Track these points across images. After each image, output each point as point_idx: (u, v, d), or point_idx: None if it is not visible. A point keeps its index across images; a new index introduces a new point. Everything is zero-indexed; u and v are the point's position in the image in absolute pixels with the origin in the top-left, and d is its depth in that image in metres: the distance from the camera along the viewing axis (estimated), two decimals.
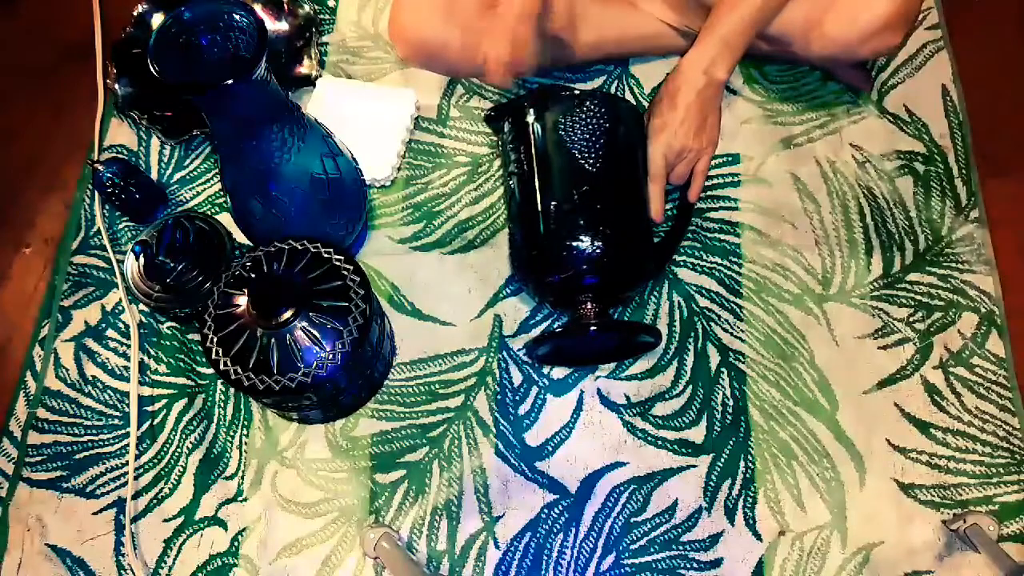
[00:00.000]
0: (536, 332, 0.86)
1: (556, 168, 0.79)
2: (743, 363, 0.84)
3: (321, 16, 1.03)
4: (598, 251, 0.77)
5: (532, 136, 0.81)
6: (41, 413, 0.86)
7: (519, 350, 0.86)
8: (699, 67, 0.82)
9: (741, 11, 0.81)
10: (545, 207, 0.78)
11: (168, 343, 0.88)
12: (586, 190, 0.78)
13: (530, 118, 0.81)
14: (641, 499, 0.80)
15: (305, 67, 0.98)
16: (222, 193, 0.94)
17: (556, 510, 0.80)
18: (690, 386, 0.84)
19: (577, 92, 0.82)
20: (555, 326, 0.87)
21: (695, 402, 0.83)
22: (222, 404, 0.85)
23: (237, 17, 0.64)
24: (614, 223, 0.78)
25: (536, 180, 0.79)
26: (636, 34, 0.93)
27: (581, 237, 0.77)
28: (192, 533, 0.80)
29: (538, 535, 0.79)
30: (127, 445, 0.83)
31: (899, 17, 0.81)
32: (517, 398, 0.84)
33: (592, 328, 0.76)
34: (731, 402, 0.83)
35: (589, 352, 0.84)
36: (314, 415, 0.82)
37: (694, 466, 0.81)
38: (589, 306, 0.78)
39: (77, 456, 0.84)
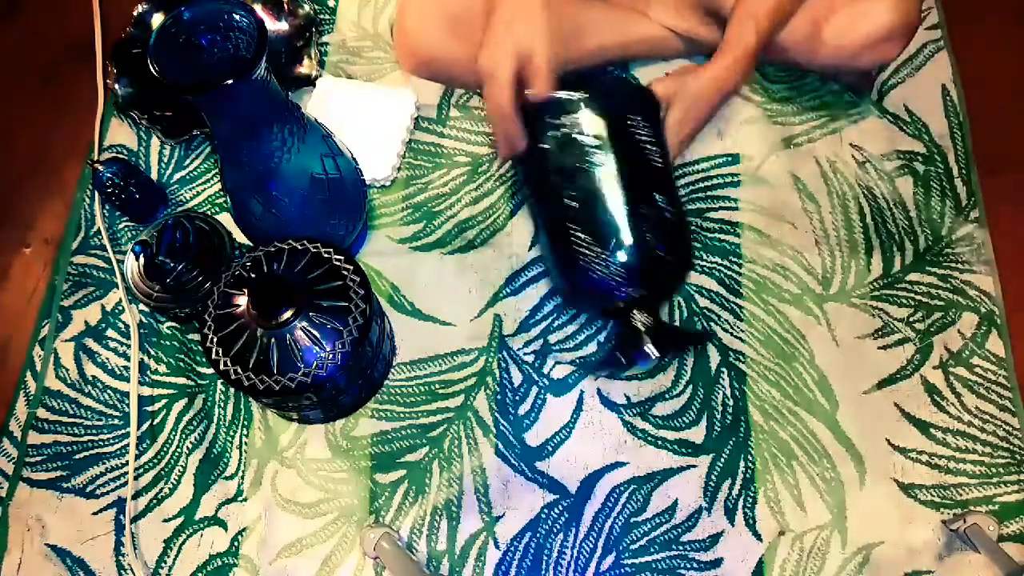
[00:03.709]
0: (536, 332, 0.86)
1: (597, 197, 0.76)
2: (743, 363, 0.84)
3: (321, 16, 1.03)
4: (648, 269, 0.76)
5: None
6: (41, 413, 0.86)
7: (519, 350, 0.86)
8: (728, 86, 0.81)
9: (761, 22, 0.80)
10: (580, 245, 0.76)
11: (168, 343, 0.88)
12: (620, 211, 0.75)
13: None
14: (641, 499, 0.80)
15: (305, 67, 0.98)
16: (222, 193, 0.94)
17: (556, 510, 0.80)
18: (690, 386, 0.84)
19: (578, 97, 0.78)
20: (595, 336, 0.86)
21: (695, 402, 0.83)
22: (222, 404, 0.85)
23: (237, 17, 0.64)
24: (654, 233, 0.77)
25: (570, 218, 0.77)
26: (639, 39, 0.93)
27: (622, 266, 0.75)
28: (192, 533, 0.80)
29: (538, 535, 0.79)
30: (127, 445, 0.83)
31: (899, 28, 0.82)
32: (517, 398, 0.84)
33: (656, 357, 0.76)
34: (731, 402, 0.83)
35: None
36: (314, 415, 0.82)
37: (694, 466, 0.81)
38: (640, 318, 0.77)
39: (77, 456, 0.84)
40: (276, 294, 0.69)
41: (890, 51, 0.85)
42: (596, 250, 0.75)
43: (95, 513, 0.82)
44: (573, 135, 0.76)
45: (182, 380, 0.86)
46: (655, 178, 0.78)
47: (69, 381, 0.87)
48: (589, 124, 0.76)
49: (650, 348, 0.76)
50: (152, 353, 0.87)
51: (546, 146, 0.77)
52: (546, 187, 0.79)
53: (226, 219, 0.89)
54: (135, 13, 1.00)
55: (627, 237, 0.75)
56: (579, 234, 0.76)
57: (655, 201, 0.77)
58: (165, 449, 0.84)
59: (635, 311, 0.77)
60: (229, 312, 0.70)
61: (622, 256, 0.75)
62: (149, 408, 0.85)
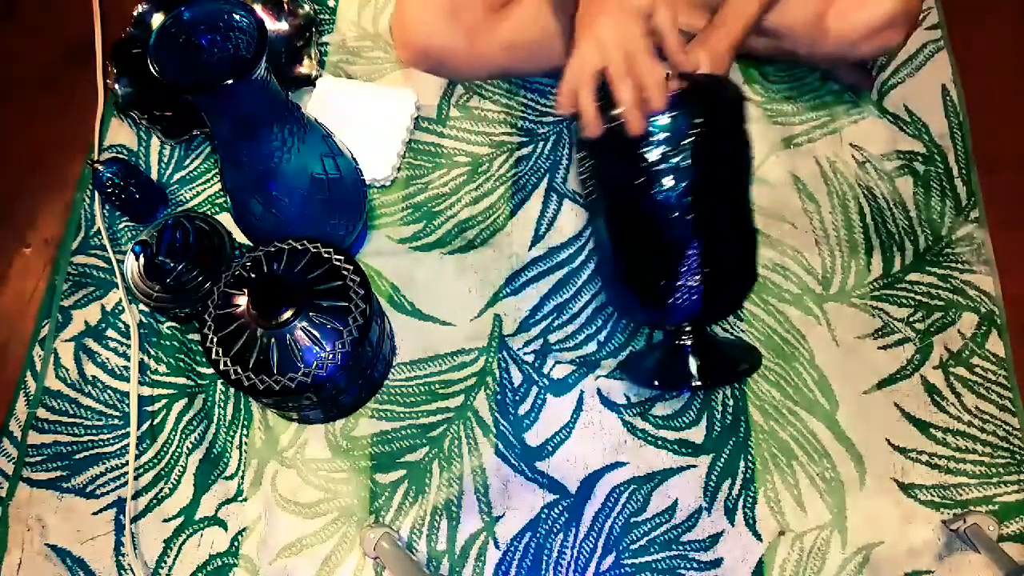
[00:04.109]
0: (536, 332, 0.86)
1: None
2: None
3: (321, 16, 1.03)
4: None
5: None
6: (41, 413, 0.86)
7: (519, 350, 0.86)
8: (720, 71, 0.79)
9: (749, 10, 0.80)
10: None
11: (168, 343, 0.88)
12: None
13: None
14: (641, 499, 0.80)
15: (305, 67, 0.98)
16: (222, 193, 0.94)
17: (556, 510, 0.80)
18: None
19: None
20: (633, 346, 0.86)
21: (695, 402, 0.83)
22: (222, 404, 0.85)
23: (237, 17, 0.64)
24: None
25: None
26: None
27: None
28: (192, 533, 0.80)
29: (538, 535, 0.79)
30: (127, 445, 0.83)
31: (902, 15, 0.81)
32: (517, 398, 0.84)
33: (697, 384, 0.74)
34: (731, 402, 0.83)
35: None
36: (314, 415, 0.82)
37: (694, 466, 0.81)
38: (689, 342, 0.74)
39: (77, 456, 0.84)
40: (276, 294, 0.69)
41: (892, 38, 0.83)
42: (662, 268, 0.71)
43: (95, 513, 0.82)
44: (664, 139, 0.68)
45: (182, 380, 0.86)
46: (737, 191, 0.73)
47: (69, 381, 0.87)
48: (682, 130, 0.68)
49: (696, 382, 0.73)
50: (152, 353, 0.87)
51: (642, 148, 0.69)
52: (623, 190, 0.72)
53: (226, 219, 0.89)
54: (135, 13, 1.00)
55: (696, 263, 0.69)
56: (645, 247, 0.72)
57: (732, 219, 0.72)
58: (165, 449, 0.84)
59: (684, 334, 0.75)
60: (229, 312, 0.70)
61: (689, 282, 0.70)
62: (149, 408, 0.85)
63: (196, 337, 0.87)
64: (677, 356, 0.75)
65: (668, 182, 0.68)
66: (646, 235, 0.72)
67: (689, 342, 0.74)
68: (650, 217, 0.70)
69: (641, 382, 0.82)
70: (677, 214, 0.69)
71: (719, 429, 0.82)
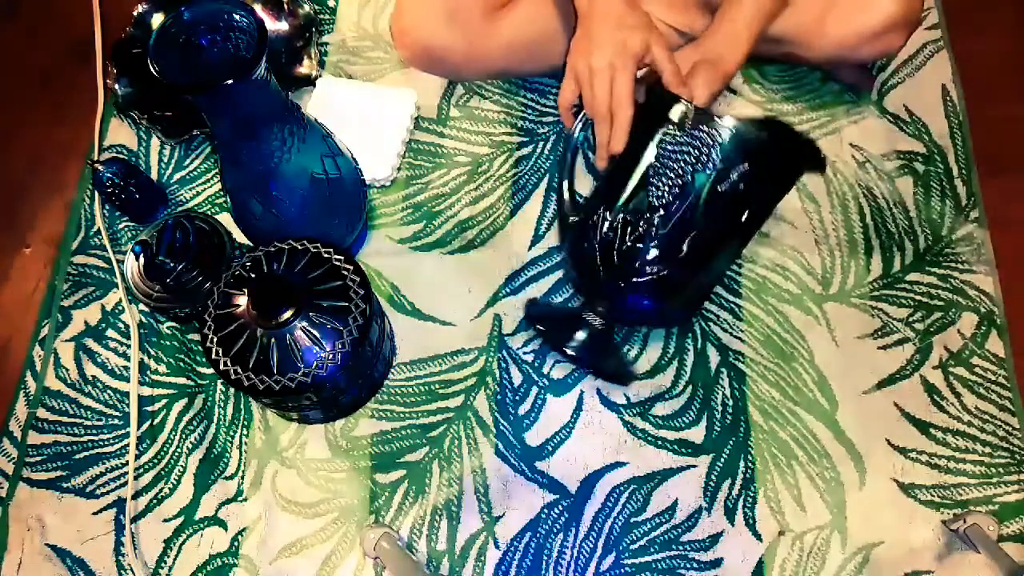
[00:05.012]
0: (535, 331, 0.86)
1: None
2: (743, 363, 0.84)
3: (321, 16, 1.03)
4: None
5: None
6: (41, 413, 0.86)
7: (519, 349, 0.86)
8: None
9: (763, 11, 0.79)
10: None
11: (168, 343, 0.88)
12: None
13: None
14: (641, 499, 0.80)
15: (305, 67, 0.98)
16: (222, 193, 0.94)
17: (556, 510, 0.80)
18: (690, 386, 0.84)
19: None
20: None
21: (695, 402, 0.83)
22: (222, 404, 0.85)
23: (237, 17, 0.64)
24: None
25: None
26: None
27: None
28: (192, 533, 0.80)
29: (538, 535, 0.79)
30: (127, 445, 0.83)
31: (903, 19, 0.82)
32: (517, 398, 0.84)
33: (568, 354, 0.78)
34: (731, 402, 0.83)
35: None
36: (314, 415, 0.82)
37: (694, 466, 0.81)
38: (593, 322, 0.77)
39: (77, 456, 0.84)
40: (276, 294, 0.69)
41: (893, 42, 0.84)
42: (619, 265, 0.73)
43: (95, 513, 0.82)
44: (697, 153, 0.69)
45: (182, 380, 0.86)
46: (728, 241, 0.74)
47: (69, 381, 0.87)
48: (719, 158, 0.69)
49: (571, 349, 0.77)
50: (152, 353, 0.87)
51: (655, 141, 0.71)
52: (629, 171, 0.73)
53: (226, 219, 0.89)
54: (135, 13, 1.00)
55: (648, 285, 0.72)
56: (620, 240, 0.73)
57: (703, 265, 0.73)
58: (165, 449, 0.84)
59: (598, 313, 0.77)
60: (229, 312, 0.70)
61: (634, 289, 0.73)
62: (149, 408, 0.85)
63: (196, 337, 0.87)
64: (575, 322, 0.78)
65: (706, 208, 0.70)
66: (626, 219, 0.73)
67: (596, 322, 0.77)
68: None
69: (530, 320, 0.83)
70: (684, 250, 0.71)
71: (719, 429, 0.82)
